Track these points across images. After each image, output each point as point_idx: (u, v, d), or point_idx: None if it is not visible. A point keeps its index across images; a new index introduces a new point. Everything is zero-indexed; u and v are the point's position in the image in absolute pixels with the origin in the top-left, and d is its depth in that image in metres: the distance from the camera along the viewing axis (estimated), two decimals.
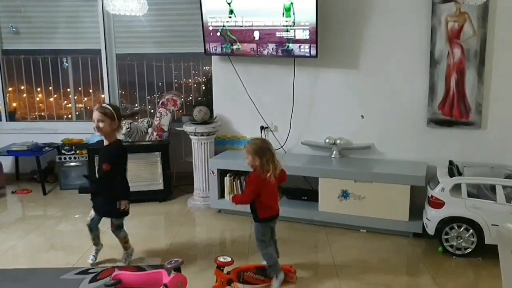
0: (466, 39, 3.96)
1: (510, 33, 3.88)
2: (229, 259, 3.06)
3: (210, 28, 4.53)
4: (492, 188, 3.47)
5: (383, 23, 4.21)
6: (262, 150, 3.03)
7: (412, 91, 4.20)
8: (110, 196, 3.32)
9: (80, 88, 5.81)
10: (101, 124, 3.24)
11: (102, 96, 5.72)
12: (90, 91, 5.79)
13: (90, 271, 3.38)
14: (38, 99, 5.88)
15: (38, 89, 5.85)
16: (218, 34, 4.51)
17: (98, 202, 3.43)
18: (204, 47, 4.65)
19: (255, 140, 3.20)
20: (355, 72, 4.35)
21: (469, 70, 3.99)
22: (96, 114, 3.25)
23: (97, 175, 3.55)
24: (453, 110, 4.09)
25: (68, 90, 5.82)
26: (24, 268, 3.47)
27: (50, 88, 5.84)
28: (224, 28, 4.46)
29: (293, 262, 3.35)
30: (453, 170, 3.73)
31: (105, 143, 3.38)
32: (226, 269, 3.07)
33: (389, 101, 4.29)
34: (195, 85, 5.78)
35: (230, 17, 4.40)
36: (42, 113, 5.89)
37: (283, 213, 4.22)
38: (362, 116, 4.40)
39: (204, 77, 5.73)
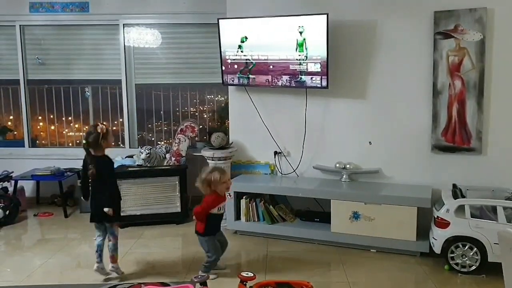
0: (465, 72, 4.27)
1: (505, 66, 4.21)
2: (251, 274, 3.28)
3: (228, 61, 4.87)
4: (494, 209, 3.73)
5: (389, 57, 4.54)
6: None
7: (416, 119, 4.50)
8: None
9: (100, 116, 6.10)
10: None
11: (121, 119, 6.02)
12: (108, 119, 6.08)
13: (118, 287, 3.59)
14: (59, 126, 6.16)
15: (60, 117, 6.14)
16: (235, 66, 4.85)
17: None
18: (222, 78, 4.97)
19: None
20: (363, 102, 4.66)
21: (469, 100, 4.29)
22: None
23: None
24: (455, 137, 4.37)
25: (83, 117, 6.11)
26: (55, 284, 3.69)
27: (70, 116, 6.13)
28: (248, 61, 4.81)
29: (309, 280, 3.55)
30: (457, 192, 3.99)
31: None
32: (248, 284, 3.28)
33: (395, 128, 4.58)
34: (209, 113, 6.09)
35: (242, 52, 4.77)
36: (63, 139, 6.17)
37: (298, 234, 4.51)
38: (370, 143, 4.68)
39: (218, 105, 6.04)
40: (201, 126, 5.86)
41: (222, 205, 3.75)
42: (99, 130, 3.62)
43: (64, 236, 4.91)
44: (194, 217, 3.81)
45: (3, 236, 4.85)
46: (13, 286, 3.65)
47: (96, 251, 3.77)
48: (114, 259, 3.79)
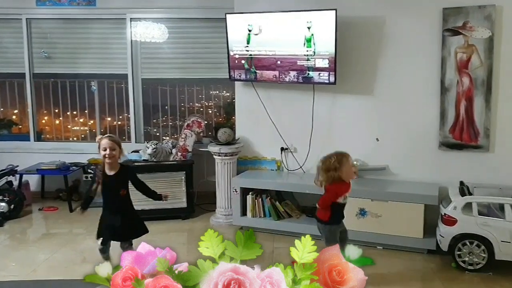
0: (474, 69, 4.26)
1: None
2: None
3: (236, 56, 4.85)
4: (501, 207, 3.72)
5: (397, 53, 4.52)
6: None
7: (424, 116, 4.48)
8: (133, 216, 3.66)
9: (105, 110, 6.10)
10: (114, 152, 3.45)
11: (127, 114, 6.02)
12: (114, 114, 6.08)
13: None
14: (64, 120, 6.16)
15: (65, 111, 6.13)
16: (242, 61, 4.83)
17: (120, 228, 3.61)
18: (229, 73, 4.96)
19: None
20: (371, 98, 4.64)
21: (477, 98, 4.27)
22: (108, 143, 3.43)
23: (112, 204, 3.65)
24: (463, 134, 4.36)
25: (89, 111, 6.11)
26: (61, 279, 3.69)
27: (75, 111, 6.12)
28: (249, 57, 4.77)
29: None
30: (464, 190, 3.98)
31: (111, 172, 3.52)
32: None
33: (402, 125, 4.57)
34: (214, 109, 6.07)
35: (247, 46, 4.74)
36: (68, 134, 6.17)
37: (304, 230, 4.49)
38: (377, 139, 4.67)
39: (224, 101, 6.03)
40: (206, 122, 5.85)
41: (347, 194, 3.48)
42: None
43: (69, 230, 4.91)
44: (317, 206, 3.60)
45: (8, 230, 4.85)
46: (19, 281, 3.65)
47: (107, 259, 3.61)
48: None
